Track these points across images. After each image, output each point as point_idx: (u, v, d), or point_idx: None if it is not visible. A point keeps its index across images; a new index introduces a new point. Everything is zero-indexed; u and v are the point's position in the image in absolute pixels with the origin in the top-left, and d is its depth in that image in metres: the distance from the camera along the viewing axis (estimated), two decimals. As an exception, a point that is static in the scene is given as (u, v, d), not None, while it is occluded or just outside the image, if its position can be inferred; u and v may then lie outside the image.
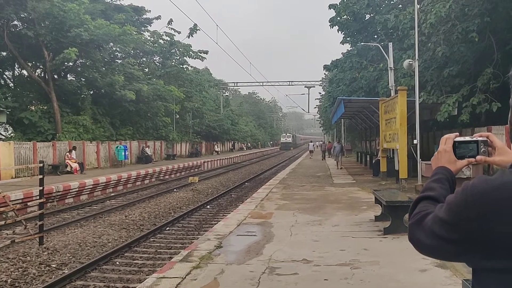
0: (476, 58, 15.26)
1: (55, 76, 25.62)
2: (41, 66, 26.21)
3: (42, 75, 25.56)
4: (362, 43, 22.39)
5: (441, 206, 1.13)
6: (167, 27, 36.48)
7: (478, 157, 1.33)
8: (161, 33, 36.51)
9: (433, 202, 1.22)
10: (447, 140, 1.37)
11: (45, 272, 7.52)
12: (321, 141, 63.95)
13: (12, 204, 9.45)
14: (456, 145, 1.35)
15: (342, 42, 25.78)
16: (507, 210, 0.98)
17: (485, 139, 1.34)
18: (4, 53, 24.85)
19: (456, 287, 4.83)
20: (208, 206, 14.95)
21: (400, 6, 21.52)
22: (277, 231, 8.11)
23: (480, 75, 14.41)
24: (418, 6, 14.87)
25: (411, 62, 14.39)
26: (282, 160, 44.49)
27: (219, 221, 10.28)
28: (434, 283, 5.16)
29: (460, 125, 15.10)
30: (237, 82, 63.65)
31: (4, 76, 26.47)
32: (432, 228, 1.12)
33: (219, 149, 51.07)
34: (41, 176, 9.12)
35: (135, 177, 21.62)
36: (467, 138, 1.36)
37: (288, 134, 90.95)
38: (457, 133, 1.39)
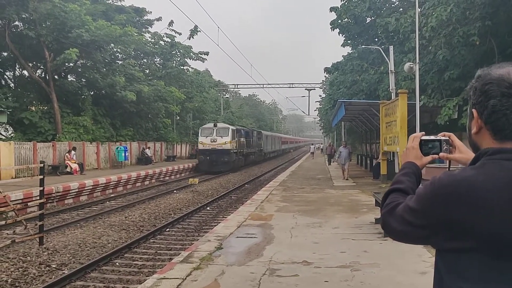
0: (477, 61, 15.26)
1: (56, 77, 25.66)
2: (41, 67, 26.25)
3: (43, 75, 25.60)
4: (363, 46, 22.39)
5: (411, 197, 1.28)
6: (168, 28, 36.60)
7: (441, 154, 1.49)
8: (162, 35, 36.57)
9: (401, 194, 1.37)
10: (415, 138, 1.52)
11: (45, 272, 7.53)
12: (328, 143, 49.64)
13: (13, 204, 9.45)
14: (422, 143, 1.50)
15: (343, 45, 25.84)
16: (464, 200, 1.14)
17: (447, 138, 1.50)
18: (5, 54, 24.93)
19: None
20: (208, 208, 14.94)
21: (401, 9, 21.56)
22: (277, 233, 8.11)
23: (480, 79, 14.40)
24: (419, 10, 14.91)
25: (411, 65, 14.42)
26: (282, 162, 44.45)
27: (219, 222, 10.30)
28: (434, 285, 5.16)
29: (460, 129, 15.07)
30: (237, 84, 63.45)
31: (5, 76, 26.53)
32: (402, 215, 1.27)
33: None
34: (41, 177, 9.13)
35: (135, 178, 21.62)
36: (432, 137, 1.51)
37: (224, 128, 31.16)
38: (424, 132, 1.54)
